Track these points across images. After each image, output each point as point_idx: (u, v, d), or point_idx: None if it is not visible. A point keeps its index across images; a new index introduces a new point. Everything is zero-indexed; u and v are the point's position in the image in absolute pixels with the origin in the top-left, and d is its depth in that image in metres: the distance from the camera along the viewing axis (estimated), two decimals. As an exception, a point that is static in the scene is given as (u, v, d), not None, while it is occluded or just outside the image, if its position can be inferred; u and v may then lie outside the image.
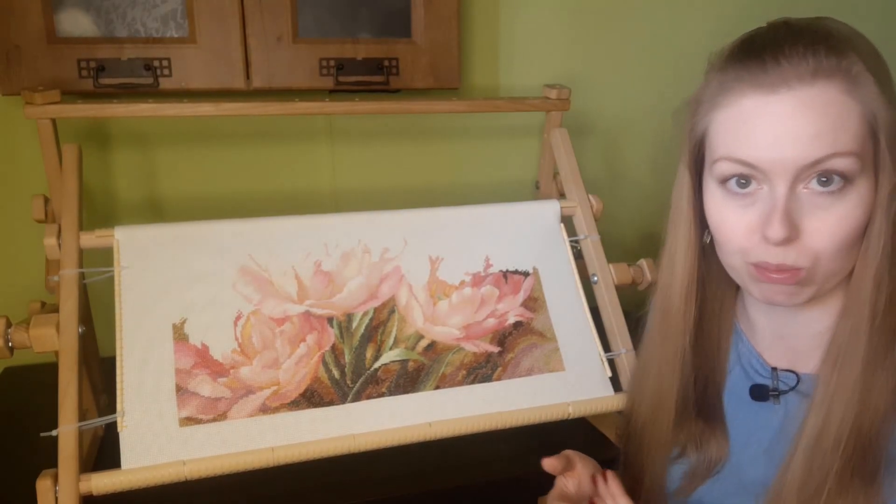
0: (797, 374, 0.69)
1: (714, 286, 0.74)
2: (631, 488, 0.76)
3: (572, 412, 0.88)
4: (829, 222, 0.60)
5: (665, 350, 0.74)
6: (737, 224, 0.64)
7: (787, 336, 0.70)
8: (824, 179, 0.60)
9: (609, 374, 0.92)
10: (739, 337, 0.75)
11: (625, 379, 0.93)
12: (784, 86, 0.59)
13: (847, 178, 0.60)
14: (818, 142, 0.59)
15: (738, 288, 0.75)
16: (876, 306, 0.61)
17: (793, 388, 0.69)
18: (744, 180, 0.63)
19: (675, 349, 0.73)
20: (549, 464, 0.69)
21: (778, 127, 0.60)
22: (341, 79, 1.12)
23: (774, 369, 0.71)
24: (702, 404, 0.74)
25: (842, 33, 0.61)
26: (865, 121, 0.60)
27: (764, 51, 0.61)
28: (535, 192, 1.18)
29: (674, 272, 0.72)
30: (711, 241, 0.70)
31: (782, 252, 0.61)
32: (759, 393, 0.71)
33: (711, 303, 0.74)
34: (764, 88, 0.60)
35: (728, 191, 0.64)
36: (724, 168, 0.64)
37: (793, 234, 0.60)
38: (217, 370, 0.81)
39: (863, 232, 0.62)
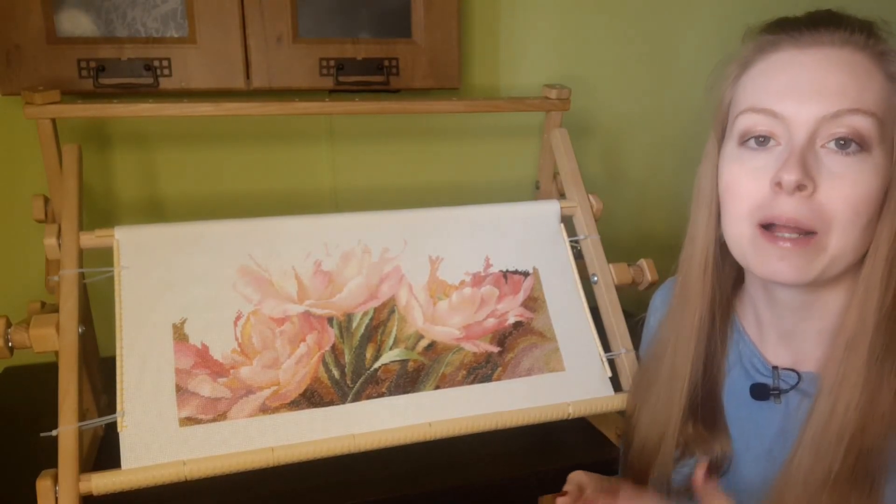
0: (798, 373, 0.69)
1: (726, 273, 0.74)
2: (636, 484, 0.76)
3: (572, 412, 0.88)
4: (843, 185, 0.60)
5: (683, 320, 0.74)
6: (749, 182, 0.64)
7: (791, 333, 0.70)
8: (842, 142, 0.60)
9: (609, 374, 0.92)
10: (740, 336, 0.75)
11: (625, 379, 0.93)
12: (815, 45, 0.62)
13: (864, 144, 0.60)
14: (841, 96, 0.60)
15: (740, 285, 0.75)
16: (886, 291, 0.61)
17: (794, 387, 0.69)
18: (762, 138, 0.64)
19: (692, 319, 0.73)
20: (562, 502, 0.71)
21: (803, 77, 0.62)
22: (341, 79, 1.12)
23: (775, 368, 0.70)
24: (702, 405, 0.73)
25: (878, 22, 0.64)
26: (890, 96, 0.61)
27: (801, 21, 0.64)
28: (535, 192, 1.18)
29: (694, 244, 0.73)
30: None
31: (795, 205, 0.61)
32: (760, 392, 0.71)
33: (724, 283, 0.74)
34: (796, 46, 0.63)
35: (745, 149, 0.65)
36: (747, 120, 0.64)
37: (807, 182, 0.60)
38: (217, 370, 0.81)
39: (877, 208, 0.62)
